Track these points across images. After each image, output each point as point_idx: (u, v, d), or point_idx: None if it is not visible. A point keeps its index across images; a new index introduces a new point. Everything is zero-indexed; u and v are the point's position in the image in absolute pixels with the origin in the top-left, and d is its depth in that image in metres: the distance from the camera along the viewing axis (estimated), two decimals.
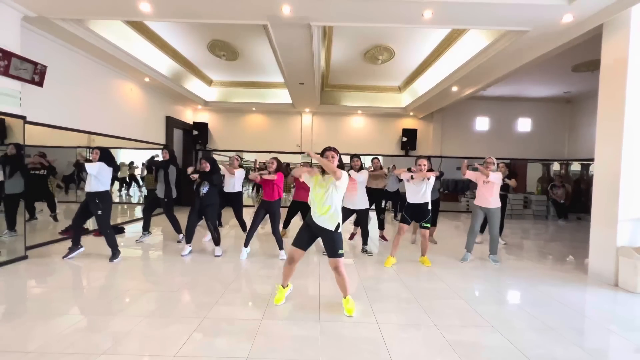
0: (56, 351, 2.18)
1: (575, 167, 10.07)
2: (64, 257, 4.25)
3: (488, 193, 4.47)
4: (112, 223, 4.36)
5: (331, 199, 2.77)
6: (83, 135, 5.75)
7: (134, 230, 6.18)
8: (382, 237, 5.90)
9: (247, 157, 11.18)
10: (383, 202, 6.14)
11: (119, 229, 6.10)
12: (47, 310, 2.82)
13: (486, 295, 3.44)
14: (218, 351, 2.23)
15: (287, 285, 3.14)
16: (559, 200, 8.83)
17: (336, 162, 2.82)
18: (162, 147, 8.28)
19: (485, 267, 4.40)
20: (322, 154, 2.87)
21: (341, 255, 2.84)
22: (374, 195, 5.58)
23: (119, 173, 7.64)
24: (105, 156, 4.23)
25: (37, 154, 5.01)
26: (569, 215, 8.87)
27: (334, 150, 2.87)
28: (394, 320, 2.78)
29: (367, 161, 7.79)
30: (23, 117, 4.24)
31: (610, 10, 3.75)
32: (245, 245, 4.56)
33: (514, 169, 10.57)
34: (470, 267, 4.37)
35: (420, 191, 4.33)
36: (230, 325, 2.62)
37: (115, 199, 7.61)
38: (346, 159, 5.32)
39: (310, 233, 2.91)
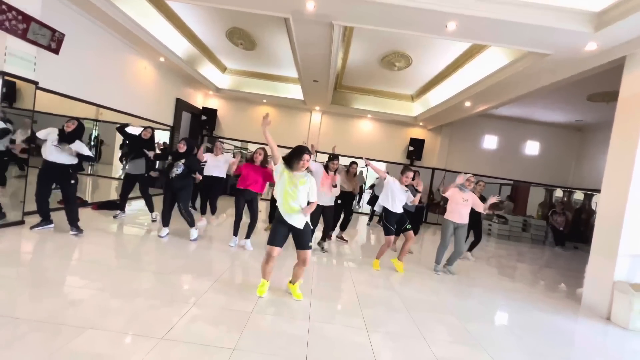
0: (42, 319, 2.17)
1: (579, 195, 10.02)
2: (31, 228, 4.02)
3: (465, 210, 4.58)
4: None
5: (300, 199, 2.89)
6: (91, 107, 5.74)
7: (134, 208, 6.16)
8: (341, 237, 5.91)
9: (252, 148, 11.16)
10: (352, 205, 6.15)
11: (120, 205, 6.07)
12: (37, 279, 2.82)
13: (477, 314, 3.42)
14: (206, 339, 2.22)
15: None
16: (558, 227, 8.79)
17: (307, 165, 2.94)
18: (168, 128, 8.29)
19: (478, 285, 4.38)
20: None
21: (310, 248, 3.00)
22: (345, 197, 5.60)
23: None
24: (81, 131, 4.08)
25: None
26: (566, 243, 8.83)
27: (308, 153, 2.97)
28: (384, 328, 2.77)
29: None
30: (35, 83, 4.23)
31: (636, 43, 3.71)
32: (235, 234, 4.57)
33: (515, 193, 10.60)
34: (464, 284, 4.35)
35: (409, 199, 4.38)
36: (220, 314, 2.61)
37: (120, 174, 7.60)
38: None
39: (284, 229, 2.98)
